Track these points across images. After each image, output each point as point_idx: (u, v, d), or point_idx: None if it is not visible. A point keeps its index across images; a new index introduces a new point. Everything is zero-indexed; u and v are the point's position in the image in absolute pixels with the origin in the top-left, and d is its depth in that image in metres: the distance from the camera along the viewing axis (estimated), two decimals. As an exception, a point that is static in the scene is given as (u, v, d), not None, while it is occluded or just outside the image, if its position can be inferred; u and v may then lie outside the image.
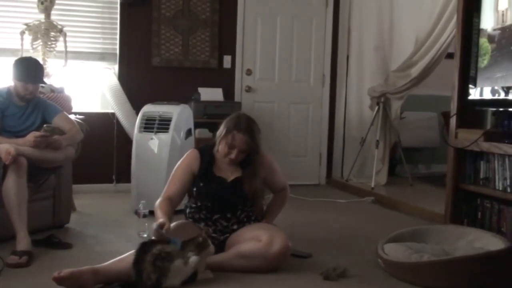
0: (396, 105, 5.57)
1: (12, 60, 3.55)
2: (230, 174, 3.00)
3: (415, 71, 5.16)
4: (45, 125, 3.43)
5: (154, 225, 2.60)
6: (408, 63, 5.24)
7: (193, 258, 2.55)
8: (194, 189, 2.99)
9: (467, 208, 3.64)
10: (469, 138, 3.52)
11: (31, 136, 3.28)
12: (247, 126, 2.92)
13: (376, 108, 5.54)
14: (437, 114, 6.48)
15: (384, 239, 3.11)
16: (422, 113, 6.47)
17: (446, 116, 4.83)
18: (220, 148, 2.94)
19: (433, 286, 2.68)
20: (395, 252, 2.91)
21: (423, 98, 6.30)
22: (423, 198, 4.96)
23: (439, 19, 4.73)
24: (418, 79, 5.19)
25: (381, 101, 5.50)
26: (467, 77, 3.60)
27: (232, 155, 2.91)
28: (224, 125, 2.95)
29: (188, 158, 3.05)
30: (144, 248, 2.51)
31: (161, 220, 2.62)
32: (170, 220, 2.71)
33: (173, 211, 2.86)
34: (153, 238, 2.62)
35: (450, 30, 4.53)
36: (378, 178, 5.49)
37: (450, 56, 4.30)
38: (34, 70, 3.49)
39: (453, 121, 3.70)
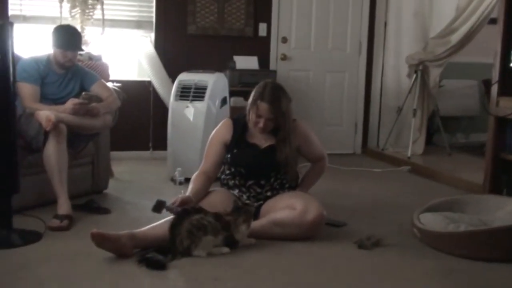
0: (435, 73, 5.44)
1: (51, 28, 3.59)
2: (264, 141, 3.03)
3: (455, 37, 5.01)
4: (83, 93, 3.49)
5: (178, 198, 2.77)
6: (449, 29, 5.10)
7: (244, 228, 2.65)
8: (228, 155, 3.02)
9: (507, 178, 3.58)
10: (510, 106, 3.43)
11: (70, 103, 3.34)
12: (272, 95, 2.90)
13: (414, 76, 5.43)
14: (477, 82, 6.32)
15: (421, 208, 3.08)
16: (461, 81, 6.31)
17: (487, 84, 4.70)
18: (250, 117, 2.96)
19: (470, 257, 2.65)
20: (431, 222, 2.89)
21: (463, 66, 6.13)
22: (461, 168, 4.88)
23: (482, -17, 4.58)
24: (459, 46, 5.05)
25: (419, 69, 5.38)
26: (510, 44, 3.49)
27: (261, 124, 2.93)
28: (252, 95, 2.97)
29: (221, 129, 3.09)
30: (183, 214, 2.57)
31: (186, 195, 2.81)
32: (198, 194, 2.87)
33: (207, 185, 2.97)
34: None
35: (494, -6, 4.37)
36: (415, 147, 5.42)
37: (493, 21, 4.16)
38: (73, 38, 3.53)
39: (494, 89, 3.61)
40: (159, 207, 2.69)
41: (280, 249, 2.73)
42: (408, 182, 4.66)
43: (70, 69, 3.58)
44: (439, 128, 5.69)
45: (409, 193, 4.20)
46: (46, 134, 3.19)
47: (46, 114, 3.15)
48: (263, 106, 2.89)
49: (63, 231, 2.94)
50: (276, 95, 2.92)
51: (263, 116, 2.91)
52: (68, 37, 3.50)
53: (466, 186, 4.23)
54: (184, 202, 2.72)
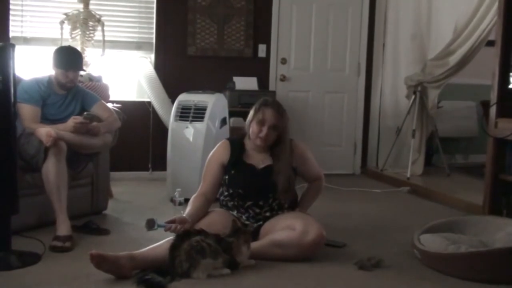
0: (433, 94, 5.47)
1: (52, 49, 3.62)
2: (261, 162, 3.03)
3: (453, 59, 5.05)
4: (85, 113, 3.49)
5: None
6: (446, 51, 5.14)
7: (245, 248, 2.65)
8: (226, 177, 3.03)
9: (506, 199, 3.57)
10: (509, 127, 3.44)
11: (71, 121, 3.36)
12: (275, 102, 3.05)
13: (413, 97, 5.46)
14: (476, 103, 6.35)
15: (420, 229, 3.07)
16: (460, 102, 6.34)
17: (485, 105, 4.73)
18: (252, 129, 2.98)
19: (470, 278, 2.64)
20: (431, 243, 2.88)
21: (461, 87, 6.17)
22: (461, 188, 4.88)
23: (479, 5, 4.61)
24: (457, 67, 5.08)
25: (418, 90, 5.41)
26: (508, 65, 3.52)
27: (263, 132, 2.94)
28: (253, 108, 3.03)
29: (218, 150, 3.11)
30: (183, 236, 2.56)
31: (182, 216, 2.79)
32: (196, 216, 2.86)
33: (205, 206, 2.98)
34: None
35: (491, 16, 4.41)
36: (414, 168, 5.42)
37: (490, 43, 4.19)
38: (74, 58, 3.55)
39: (493, 110, 3.63)
40: (149, 224, 2.70)
41: (279, 270, 2.71)
42: (408, 202, 4.65)
43: (71, 90, 3.59)
44: (438, 149, 5.71)
45: (409, 214, 4.19)
46: (45, 153, 3.18)
47: (46, 130, 3.17)
48: (268, 111, 2.95)
49: (63, 252, 2.92)
50: (278, 103, 3.05)
51: (267, 122, 2.93)
52: (70, 57, 3.52)
53: (466, 207, 4.23)
54: (179, 221, 2.72)
